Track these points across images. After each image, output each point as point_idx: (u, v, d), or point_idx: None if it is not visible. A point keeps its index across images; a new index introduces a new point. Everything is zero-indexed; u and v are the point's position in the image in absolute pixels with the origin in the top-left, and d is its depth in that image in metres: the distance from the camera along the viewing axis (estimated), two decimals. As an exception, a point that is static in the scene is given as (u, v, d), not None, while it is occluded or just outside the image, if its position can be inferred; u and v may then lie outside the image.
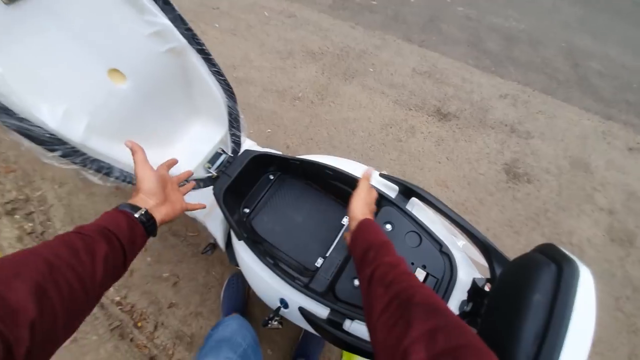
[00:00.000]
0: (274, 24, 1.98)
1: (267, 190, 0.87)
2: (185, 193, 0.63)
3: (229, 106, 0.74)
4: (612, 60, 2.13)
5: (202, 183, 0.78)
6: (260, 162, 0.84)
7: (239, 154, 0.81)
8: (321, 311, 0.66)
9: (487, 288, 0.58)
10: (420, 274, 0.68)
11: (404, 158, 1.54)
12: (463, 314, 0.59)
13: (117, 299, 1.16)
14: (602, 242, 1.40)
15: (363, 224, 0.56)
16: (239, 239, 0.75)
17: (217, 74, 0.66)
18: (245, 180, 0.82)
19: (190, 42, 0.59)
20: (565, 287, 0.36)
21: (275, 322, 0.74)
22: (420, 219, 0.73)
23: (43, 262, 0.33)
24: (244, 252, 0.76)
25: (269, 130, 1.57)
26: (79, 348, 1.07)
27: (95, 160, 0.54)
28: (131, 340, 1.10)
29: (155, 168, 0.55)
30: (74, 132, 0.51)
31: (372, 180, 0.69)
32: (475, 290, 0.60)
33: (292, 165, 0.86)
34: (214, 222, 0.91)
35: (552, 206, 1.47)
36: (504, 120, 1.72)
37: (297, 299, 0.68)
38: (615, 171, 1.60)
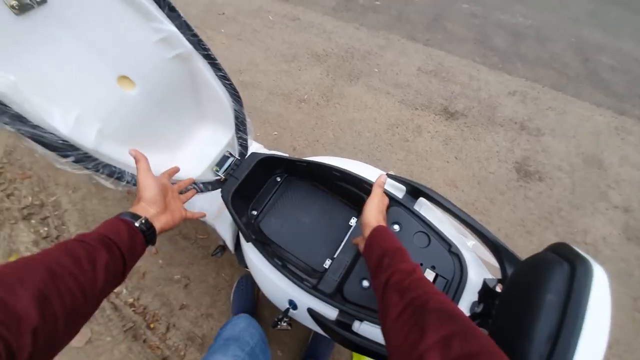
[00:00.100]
0: (279, 27, 2.00)
1: (275, 193, 0.88)
2: (185, 201, 0.64)
3: (235, 110, 0.75)
4: (623, 54, 2.07)
5: (210, 186, 0.79)
6: (267, 165, 0.84)
7: (246, 157, 0.82)
8: (330, 312, 0.66)
9: (498, 289, 0.57)
10: (429, 275, 0.67)
11: (411, 158, 1.53)
12: (474, 315, 0.58)
13: (130, 300, 1.18)
14: (618, 241, 1.36)
15: (377, 231, 0.56)
16: (247, 241, 0.75)
17: (224, 78, 0.67)
18: (252, 183, 0.82)
19: (196, 48, 0.61)
20: (579, 286, 0.35)
21: (285, 324, 0.74)
22: (429, 219, 0.72)
23: (45, 269, 0.34)
24: (252, 254, 0.76)
25: (276, 133, 1.58)
26: (93, 349, 1.09)
27: (107, 165, 0.56)
28: (144, 341, 1.12)
29: (157, 175, 0.56)
30: (86, 138, 0.52)
31: (381, 183, 0.69)
32: (486, 291, 0.59)
33: (298, 167, 0.86)
34: (223, 224, 0.91)
35: (566, 205, 1.44)
36: (514, 118, 1.69)
37: (306, 301, 0.68)
38: (630, 167, 1.56)
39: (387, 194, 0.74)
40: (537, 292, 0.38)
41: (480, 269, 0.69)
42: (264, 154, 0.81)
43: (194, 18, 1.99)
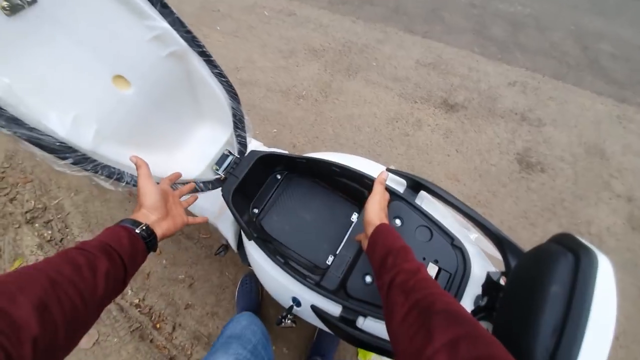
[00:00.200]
0: (275, 23, 1.98)
1: (275, 190, 0.87)
2: (187, 207, 0.64)
3: (233, 108, 0.74)
4: (624, 41, 2.05)
5: (210, 185, 0.79)
6: (267, 162, 0.84)
7: (246, 155, 0.82)
8: (334, 309, 0.66)
9: (502, 281, 0.56)
10: (432, 269, 0.67)
11: (411, 152, 1.52)
12: (478, 309, 0.57)
13: (136, 301, 1.19)
14: (623, 231, 1.35)
15: (380, 229, 0.56)
16: (249, 239, 0.75)
17: (219, 75, 0.66)
18: (253, 181, 0.82)
19: (190, 45, 0.60)
20: (584, 277, 0.35)
21: (289, 321, 0.74)
22: (430, 212, 0.72)
23: (46, 278, 0.34)
24: (254, 252, 0.76)
25: (275, 131, 1.57)
26: (101, 350, 1.10)
27: (105, 167, 0.55)
28: (151, 341, 1.13)
29: (158, 177, 0.56)
30: (84, 140, 0.52)
31: (383, 180, 0.68)
32: (489, 284, 0.59)
33: (298, 164, 0.86)
34: (225, 223, 0.91)
35: (569, 195, 1.43)
36: (514, 109, 1.68)
37: (309, 297, 0.68)
38: (633, 156, 1.54)
39: (388, 188, 0.73)
40: (542, 284, 0.37)
41: (483, 262, 0.69)
42: (263, 151, 0.81)
43: (189, 16, 1.98)
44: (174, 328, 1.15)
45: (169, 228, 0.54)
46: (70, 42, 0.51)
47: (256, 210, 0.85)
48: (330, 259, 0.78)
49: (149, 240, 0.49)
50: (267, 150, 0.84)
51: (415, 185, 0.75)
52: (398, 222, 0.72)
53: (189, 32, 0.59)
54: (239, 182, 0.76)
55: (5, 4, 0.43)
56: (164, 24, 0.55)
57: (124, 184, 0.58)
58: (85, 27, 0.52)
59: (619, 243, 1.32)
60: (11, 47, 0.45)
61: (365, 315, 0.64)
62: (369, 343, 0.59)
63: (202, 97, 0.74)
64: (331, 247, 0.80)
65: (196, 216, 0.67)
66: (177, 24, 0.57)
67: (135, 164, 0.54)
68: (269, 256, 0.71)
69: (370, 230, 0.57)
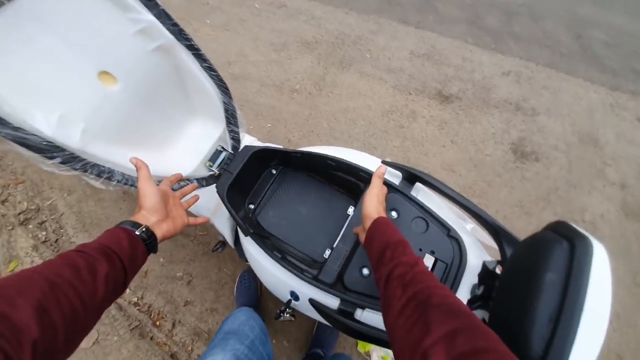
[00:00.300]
0: (266, 15, 1.95)
1: (271, 185, 0.87)
2: (188, 208, 0.64)
3: (224, 102, 0.73)
4: (616, 28, 2.05)
5: (204, 182, 0.78)
6: (262, 157, 0.83)
7: (239, 150, 0.81)
8: (332, 302, 0.66)
9: (498, 270, 0.57)
10: (428, 260, 0.67)
11: (407, 144, 1.52)
12: (474, 298, 0.58)
13: (135, 299, 1.19)
14: (616, 218, 1.37)
15: (378, 223, 0.56)
16: (246, 235, 0.75)
17: (209, 69, 0.65)
18: (247, 177, 0.81)
19: (177, 38, 0.58)
20: (579, 264, 0.35)
21: (287, 315, 0.75)
22: (426, 204, 0.72)
23: (45, 281, 0.34)
24: (251, 248, 0.76)
25: (269, 125, 1.56)
26: (101, 349, 1.10)
27: (95, 165, 0.54)
28: (151, 338, 1.13)
29: (155, 174, 0.55)
30: (71, 138, 0.51)
31: (381, 174, 0.68)
32: (486, 273, 0.59)
33: (293, 159, 0.85)
34: (221, 219, 0.91)
35: (563, 184, 1.44)
36: (508, 99, 1.68)
37: (307, 291, 0.68)
38: (626, 143, 1.56)
39: (384, 181, 0.73)
40: (537, 272, 0.38)
41: (479, 251, 0.70)
42: (257, 146, 0.80)
43: (177, 9, 1.93)
44: (173, 325, 1.16)
45: (169, 230, 0.54)
46: (52, 39, 0.50)
47: (252, 206, 0.84)
48: (328, 252, 0.78)
49: (149, 242, 0.49)
50: (261, 145, 0.83)
51: (411, 177, 0.74)
52: (394, 214, 0.72)
53: (175, 24, 0.58)
54: (234, 178, 0.76)
55: (-17, 1, 0.41)
56: (149, 17, 0.54)
57: (114, 182, 0.57)
58: (67, 22, 0.50)
59: (613, 230, 1.34)
60: (-10, 47, 0.44)
61: (363, 307, 0.65)
62: (368, 334, 0.59)
63: (192, 92, 0.72)
64: (328, 241, 0.80)
65: (196, 216, 0.66)
66: (163, 16, 0.56)
67: (135, 166, 0.54)
68: (265, 252, 0.71)
69: (368, 223, 0.57)
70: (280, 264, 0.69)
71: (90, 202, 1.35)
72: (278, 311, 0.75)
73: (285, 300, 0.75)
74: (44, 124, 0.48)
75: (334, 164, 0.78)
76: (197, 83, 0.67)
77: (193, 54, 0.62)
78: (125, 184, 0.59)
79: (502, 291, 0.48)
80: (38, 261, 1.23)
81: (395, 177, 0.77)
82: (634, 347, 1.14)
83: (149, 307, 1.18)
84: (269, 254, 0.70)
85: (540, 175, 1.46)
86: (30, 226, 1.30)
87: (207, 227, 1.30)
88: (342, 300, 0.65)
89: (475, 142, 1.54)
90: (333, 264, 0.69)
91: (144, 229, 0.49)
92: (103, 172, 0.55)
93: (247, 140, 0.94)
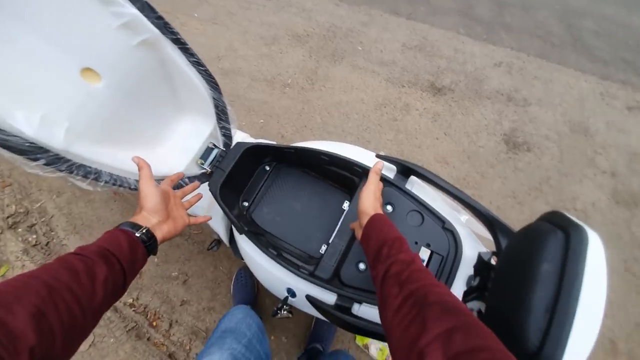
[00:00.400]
0: (255, 8, 1.91)
1: (265, 182, 0.86)
2: (189, 207, 0.63)
3: (214, 98, 0.71)
4: (606, 18, 2.06)
5: (196, 180, 0.77)
6: (254, 154, 0.82)
7: (231, 147, 0.79)
8: (329, 297, 0.66)
9: (493, 261, 0.57)
10: (424, 253, 0.67)
11: (401, 137, 1.52)
12: (470, 289, 0.58)
13: (130, 301, 1.18)
14: (607, 206, 1.39)
15: (375, 220, 0.55)
16: (240, 233, 0.74)
17: (197, 64, 0.63)
18: (241, 174, 0.80)
19: (162, 32, 0.56)
20: (574, 254, 0.35)
21: (285, 312, 0.74)
22: (421, 197, 0.72)
23: (43, 285, 0.33)
24: (246, 246, 0.75)
25: (262, 121, 1.54)
26: (97, 351, 1.09)
27: (81, 166, 0.52)
28: (148, 339, 1.12)
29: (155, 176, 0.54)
30: (54, 139, 0.49)
31: (378, 170, 0.67)
32: (481, 264, 0.59)
33: (287, 154, 0.84)
34: (215, 218, 0.90)
35: (555, 173, 1.46)
36: (500, 90, 1.68)
37: (304, 288, 0.68)
38: (616, 132, 1.58)
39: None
40: (533, 263, 0.38)
41: (474, 243, 0.70)
42: (249, 143, 0.79)
43: (163, 2, 1.88)
44: (170, 325, 1.15)
45: (170, 231, 0.53)
46: (32, 36, 0.48)
47: (246, 203, 0.83)
48: (324, 248, 0.78)
49: (149, 244, 0.48)
50: (253, 141, 0.81)
51: (406, 170, 0.74)
52: (389, 208, 0.72)
53: (160, 17, 0.55)
54: (226, 176, 0.74)
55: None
56: (132, 10, 0.52)
57: (102, 183, 0.55)
58: (47, 18, 0.48)
59: (604, 218, 1.36)
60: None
61: (360, 302, 0.65)
62: (365, 329, 0.59)
63: (180, 88, 0.70)
64: (324, 236, 0.79)
65: (196, 216, 0.65)
66: (147, 9, 0.53)
67: (137, 165, 0.53)
68: (261, 249, 0.70)
69: (364, 220, 0.57)
70: (276, 261, 0.68)
71: (80, 204, 1.32)
72: (275, 308, 0.75)
73: (282, 298, 0.75)
74: (25, 124, 0.46)
75: (328, 159, 0.77)
76: (185, 78, 0.65)
77: (179, 48, 0.60)
78: (114, 184, 0.57)
79: (498, 282, 0.48)
80: (29, 265, 1.21)
81: (389, 170, 0.77)
82: (626, 332, 1.17)
83: (144, 308, 1.17)
84: (264, 252, 0.70)
85: (532, 165, 1.48)
86: (20, 230, 1.27)
87: (202, 225, 1.29)
88: (339, 295, 0.65)
89: (468, 134, 1.54)
90: (329, 259, 0.68)
91: (144, 231, 0.48)
92: (90, 173, 0.53)
93: (239, 136, 0.92)
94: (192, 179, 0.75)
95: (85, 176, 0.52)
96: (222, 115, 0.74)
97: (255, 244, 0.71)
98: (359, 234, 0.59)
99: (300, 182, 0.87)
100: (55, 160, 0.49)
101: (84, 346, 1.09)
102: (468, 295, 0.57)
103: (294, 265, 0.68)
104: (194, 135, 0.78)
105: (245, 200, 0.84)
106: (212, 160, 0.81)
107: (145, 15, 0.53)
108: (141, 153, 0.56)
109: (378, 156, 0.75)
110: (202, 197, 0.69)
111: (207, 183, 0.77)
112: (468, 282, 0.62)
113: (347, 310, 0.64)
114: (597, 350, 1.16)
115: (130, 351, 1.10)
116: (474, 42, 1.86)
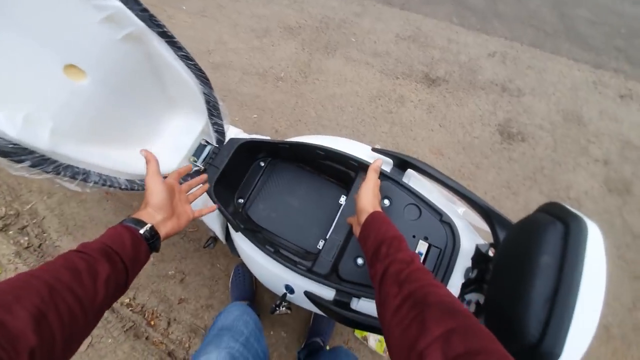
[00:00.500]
0: (245, 0, 1.86)
1: (260, 178, 0.85)
2: (193, 201, 0.62)
3: (205, 93, 0.69)
4: (600, 6, 2.06)
5: (189, 178, 0.75)
6: (248, 150, 0.80)
7: (225, 143, 0.78)
8: (327, 293, 0.66)
9: (491, 253, 0.57)
10: (422, 246, 0.67)
11: (396, 130, 1.51)
12: (469, 282, 0.58)
13: (127, 301, 1.17)
14: (600, 194, 1.41)
15: (373, 217, 0.55)
16: (236, 231, 0.73)
17: (185, 58, 0.61)
18: (235, 170, 0.79)
19: (148, 25, 0.54)
20: (574, 245, 0.35)
21: (283, 308, 0.74)
22: (418, 190, 0.72)
23: (44, 285, 0.33)
24: (242, 243, 0.75)
25: (255, 116, 1.51)
26: (95, 352, 1.09)
27: (68, 167, 0.51)
28: (146, 338, 1.12)
29: (132, 174, 0.53)
30: (39, 139, 0.47)
31: (377, 167, 0.66)
32: (479, 256, 0.59)
33: (281, 150, 0.83)
34: (210, 216, 0.88)
35: (548, 162, 1.47)
36: (494, 80, 1.68)
37: (302, 284, 0.68)
38: (609, 120, 1.59)
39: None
40: (532, 255, 0.37)
41: (472, 235, 0.70)
42: (243, 138, 0.77)
43: (151, -4, 1.83)
44: (169, 323, 1.14)
45: (174, 227, 0.52)
46: (11, 33, 0.45)
47: (241, 200, 0.82)
48: (321, 243, 0.77)
49: (152, 242, 0.47)
50: (247, 137, 0.80)
51: (402, 163, 0.73)
52: (387, 202, 0.72)
53: (144, 10, 0.53)
54: (220, 173, 0.73)
55: None
56: (115, 3, 0.49)
57: (91, 184, 0.54)
58: (26, 14, 0.45)
59: (596, 205, 1.38)
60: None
61: (358, 297, 0.65)
62: (364, 323, 0.60)
63: (169, 83, 0.68)
64: (321, 232, 0.79)
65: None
66: (131, 2, 0.51)
67: (145, 159, 0.52)
68: (257, 246, 0.69)
69: (363, 217, 0.56)
70: (273, 258, 0.67)
71: (72, 204, 1.30)
72: (273, 305, 0.74)
73: (280, 294, 0.75)
74: (7, 125, 0.44)
75: (323, 154, 0.76)
76: (174, 73, 0.63)
77: (167, 41, 0.57)
78: (103, 185, 0.55)
79: (497, 275, 0.48)
80: (22, 268, 1.18)
81: (386, 164, 0.76)
82: (620, 319, 1.20)
83: (142, 308, 1.16)
84: (261, 248, 0.69)
85: (526, 155, 1.48)
86: (11, 232, 1.24)
87: (197, 223, 1.28)
88: (338, 290, 0.65)
89: (463, 125, 1.54)
90: (327, 254, 0.68)
91: (147, 228, 0.47)
92: (78, 174, 0.51)
93: (232, 132, 0.91)
94: (185, 177, 0.74)
95: (73, 177, 0.51)
96: (213, 110, 0.72)
97: (252, 241, 0.70)
98: (357, 230, 0.59)
99: (295, 178, 0.86)
100: (41, 161, 0.47)
101: (82, 347, 1.08)
102: (466, 287, 0.57)
103: (292, 262, 0.68)
104: (185, 132, 0.76)
105: (241, 197, 0.83)
106: (205, 157, 0.79)
107: (129, 8, 0.51)
108: (131, 152, 0.54)
109: (374, 150, 0.75)
110: (208, 189, 0.68)
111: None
112: (466, 275, 0.62)
113: (346, 306, 0.64)
114: (591, 335, 1.18)
115: (129, 351, 1.10)
116: (467, 32, 1.84)
